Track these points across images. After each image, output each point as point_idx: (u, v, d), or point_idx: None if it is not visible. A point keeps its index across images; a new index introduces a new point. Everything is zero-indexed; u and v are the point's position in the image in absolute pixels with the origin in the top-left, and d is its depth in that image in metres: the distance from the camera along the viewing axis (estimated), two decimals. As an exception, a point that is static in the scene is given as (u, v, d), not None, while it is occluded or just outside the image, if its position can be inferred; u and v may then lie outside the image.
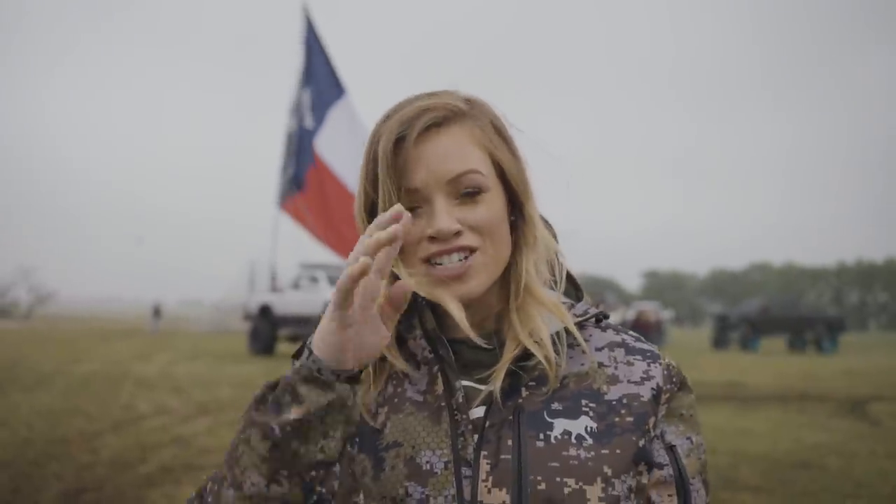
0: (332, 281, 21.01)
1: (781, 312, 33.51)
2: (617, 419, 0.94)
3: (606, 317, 1.05)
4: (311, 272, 22.00)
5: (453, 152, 0.94)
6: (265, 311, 22.45)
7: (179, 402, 11.52)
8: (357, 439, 0.96)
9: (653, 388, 0.97)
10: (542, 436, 0.92)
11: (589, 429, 0.92)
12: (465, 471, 0.91)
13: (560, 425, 0.92)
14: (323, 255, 22.32)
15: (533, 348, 0.95)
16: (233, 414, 10.20)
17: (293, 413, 0.83)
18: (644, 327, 24.92)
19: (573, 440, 0.91)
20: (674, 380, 1.01)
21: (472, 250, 0.94)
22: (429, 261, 0.94)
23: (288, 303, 21.68)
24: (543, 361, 0.94)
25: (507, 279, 1.01)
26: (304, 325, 21.11)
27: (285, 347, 23.16)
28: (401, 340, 1.02)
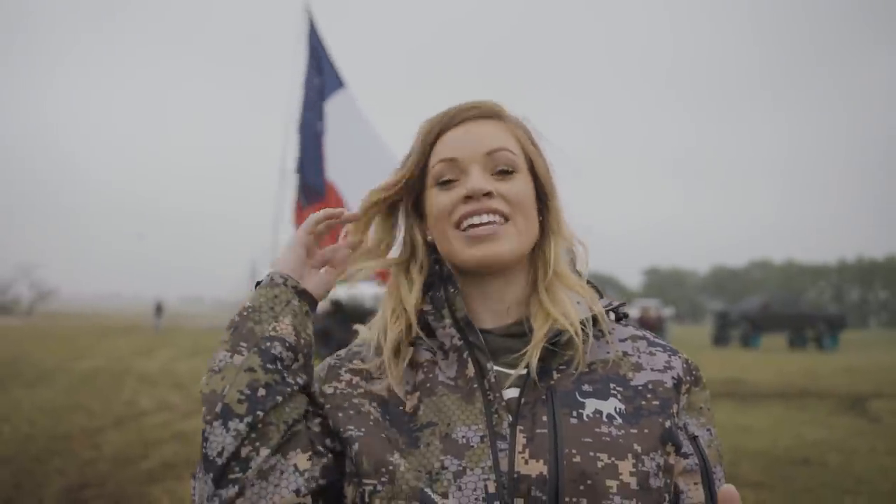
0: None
1: (782, 310, 33.50)
2: (644, 402, 0.99)
3: (626, 315, 1.13)
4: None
5: (491, 134, 1.06)
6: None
7: (181, 398, 11.55)
8: (388, 417, 0.99)
9: (674, 378, 1.03)
10: (574, 413, 0.95)
11: (618, 409, 0.97)
12: (501, 444, 0.93)
13: (591, 405, 0.97)
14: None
15: (566, 325, 1.00)
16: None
17: (247, 302, 1.02)
18: (645, 324, 24.88)
19: (604, 418, 0.96)
20: (693, 373, 1.06)
21: (503, 217, 1.03)
22: (459, 226, 1.03)
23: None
24: (575, 338, 1.00)
25: (535, 266, 1.10)
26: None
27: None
28: (429, 330, 1.07)
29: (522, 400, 0.97)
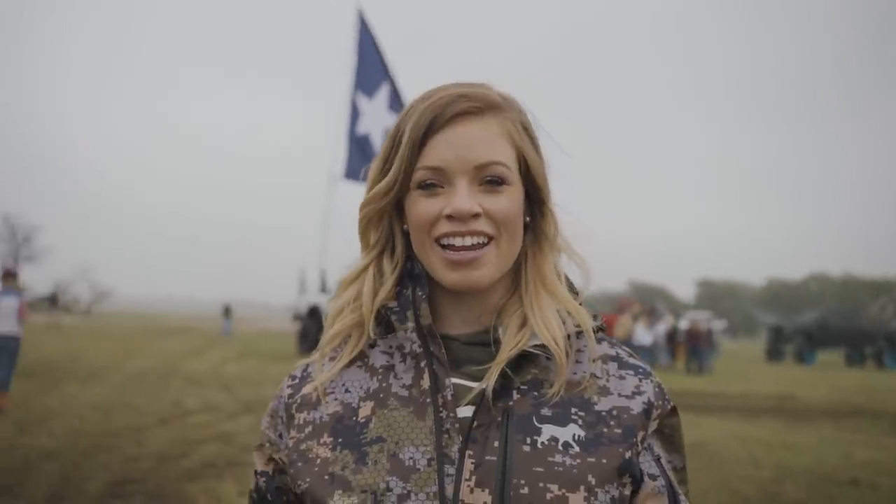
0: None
1: (840, 325, 32.51)
2: (605, 429, 0.93)
3: (603, 328, 1.04)
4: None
5: (484, 140, 0.95)
6: (314, 311, 22.78)
7: (226, 399, 11.78)
8: (340, 438, 0.96)
9: (644, 403, 0.97)
10: (528, 440, 0.91)
11: (576, 437, 0.92)
12: (448, 469, 0.90)
13: (548, 431, 0.92)
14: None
15: (548, 340, 0.94)
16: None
17: None
18: (693, 337, 24.38)
19: (560, 447, 0.91)
20: (665, 398, 1.01)
21: (487, 238, 0.95)
22: (440, 241, 0.95)
23: (336, 304, 21.94)
24: (557, 360, 0.94)
25: (517, 275, 1.02)
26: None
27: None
28: (389, 326, 1.02)
29: (475, 422, 0.92)
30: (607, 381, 0.98)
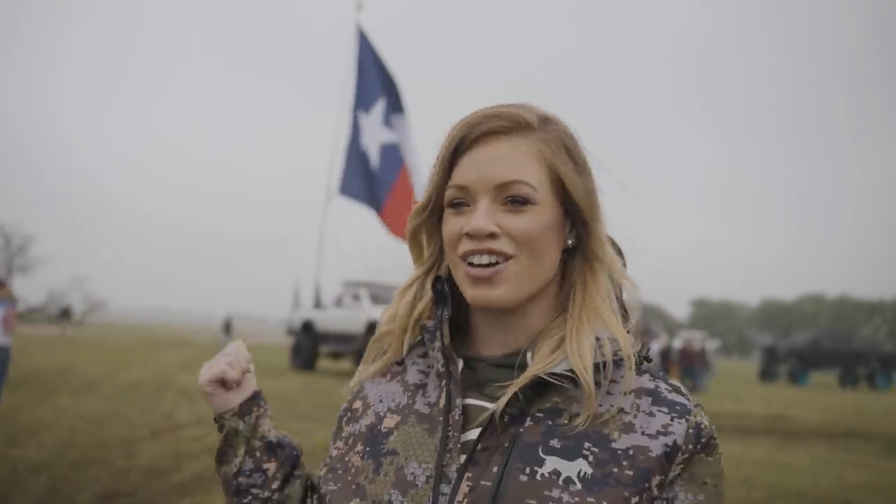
0: (374, 299, 21.16)
1: (833, 346, 32.62)
2: (615, 469, 0.88)
3: (649, 360, 1.00)
4: (353, 290, 22.17)
5: (507, 160, 0.95)
6: (307, 326, 22.71)
7: (218, 413, 11.69)
8: (367, 448, 1.00)
9: (667, 445, 0.90)
10: (528, 470, 0.89)
11: (582, 473, 0.88)
12: (444, 488, 0.91)
13: (551, 463, 0.89)
14: (366, 273, 22.65)
15: (581, 376, 0.91)
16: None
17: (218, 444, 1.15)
18: (687, 356, 24.39)
19: (560, 482, 0.87)
20: (702, 440, 0.92)
21: (506, 257, 0.95)
22: (465, 258, 0.97)
23: (330, 319, 21.88)
24: (585, 390, 0.91)
25: (565, 300, 1.01)
26: (345, 341, 21.25)
27: (326, 364, 23.36)
28: (426, 350, 1.06)
29: (479, 445, 0.92)
30: (634, 416, 0.93)
